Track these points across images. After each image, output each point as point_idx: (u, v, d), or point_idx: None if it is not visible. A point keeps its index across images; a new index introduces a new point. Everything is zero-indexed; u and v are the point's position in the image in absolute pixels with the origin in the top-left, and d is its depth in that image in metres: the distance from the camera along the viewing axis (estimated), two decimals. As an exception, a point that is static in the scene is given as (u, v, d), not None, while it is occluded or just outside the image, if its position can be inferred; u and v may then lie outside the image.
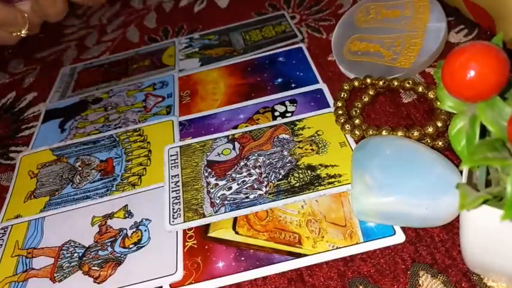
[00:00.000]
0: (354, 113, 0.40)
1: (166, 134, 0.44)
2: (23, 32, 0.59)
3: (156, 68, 0.56)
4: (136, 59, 0.59)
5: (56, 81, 0.59)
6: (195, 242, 0.34)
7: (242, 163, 0.39)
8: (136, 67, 0.57)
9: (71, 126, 0.49)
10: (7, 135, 0.52)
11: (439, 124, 0.36)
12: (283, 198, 0.35)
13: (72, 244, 0.36)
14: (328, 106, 0.43)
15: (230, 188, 0.37)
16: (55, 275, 0.34)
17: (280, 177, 0.36)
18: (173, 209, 0.36)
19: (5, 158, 0.48)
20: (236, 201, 0.35)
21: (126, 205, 0.38)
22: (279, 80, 0.48)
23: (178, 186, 0.38)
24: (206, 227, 0.34)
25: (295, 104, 0.44)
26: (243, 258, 0.32)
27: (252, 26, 0.59)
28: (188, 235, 0.34)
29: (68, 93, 0.56)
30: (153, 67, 0.56)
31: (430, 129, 0.36)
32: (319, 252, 0.31)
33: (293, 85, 0.46)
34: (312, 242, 0.32)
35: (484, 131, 0.24)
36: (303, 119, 0.42)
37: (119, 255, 0.34)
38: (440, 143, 0.35)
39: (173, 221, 0.35)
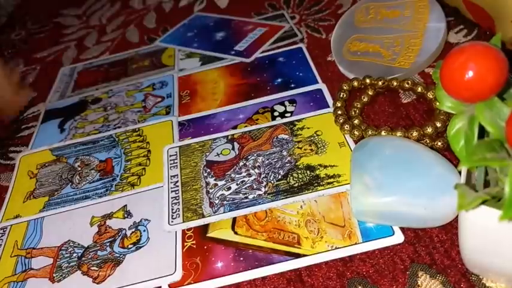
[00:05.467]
0: (353, 113, 0.40)
1: (166, 134, 0.44)
2: None
3: (155, 68, 0.56)
4: (136, 59, 0.59)
5: (56, 81, 0.59)
6: (194, 242, 0.34)
7: (241, 163, 0.39)
8: (136, 67, 0.57)
9: (71, 126, 0.49)
10: (7, 135, 0.52)
11: (438, 124, 0.36)
12: (282, 199, 0.35)
13: (71, 244, 0.36)
14: (328, 106, 0.43)
15: (229, 188, 0.37)
16: (54, 275, 0.34)
17: (280, 177, 0.36)
18: (172, 209, 0.36)
19: (4, 158, 0.48)
20: (235, 201, 0.35)
21: (125, 205, 0.38)
22: (279, 80, 0.48)
23: (178, 186, 0.38)
24: (205, 227, 0.34)
25: (294, 104, 0.44)
26: (242, 259, 0.32)
27: (251, 26, 0.59)
28: (187, 235, 0.34)
29: (68, 93, 0.56)
30: (152, 67, 0.56)
31: (429, 130, 0.36)
32: (318, 253, 0.31)
33: (292, 85, 0.46)
34: (311, 242, 0.32)
35: (482, 132, 0.24)
36: (302, 119, 0.42)
37: (118, 255, 0.34)
38: (439, 144, 0.35)
39: (172, 221, 0.35)
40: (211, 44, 0.56)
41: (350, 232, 0.32)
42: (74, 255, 0.35)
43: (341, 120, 0.39)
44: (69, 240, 0.36)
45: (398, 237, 0.31)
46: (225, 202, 0.36)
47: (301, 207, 0.34)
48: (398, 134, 0.36)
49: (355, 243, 0.31)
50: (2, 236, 0.38)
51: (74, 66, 0.62)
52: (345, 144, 0.38)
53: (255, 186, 0.36)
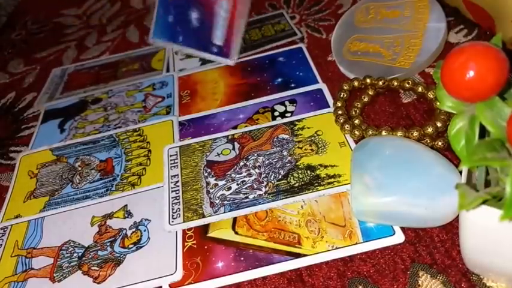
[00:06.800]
0: (353, 113, 0.40)
1: (166, 134, 0.44)
2: None
3: (144, 72, 0.56)
4: (126, 62, 0.59)
5: (46, 83, 0.59)
6: (194, 242, 0.34)
7: (242, 163, 0.39)
8: (125, 70, 0.57)
9: (71, 127, 0.49)
10: (7, 135, 0.52)
11: (439, 124, 0.36)
12: (282, 199, 0.35)
13: (72, 244, 0.36)
14: (328, 106, 0.43)
15: (230, 188, 0.37)
16: (54, 275, 0.34)
17: (280, 177, 0.36)
18: (173, 209, 0.36)
19: (5, 158, 0.48)
20: (236, 201, 0.35)
21: (126, 205, 0.38)
22: (279, 80, 0.48)
23: (178, 186, 0.38)
24: (206, 227, 0.34)
25: (294, 104, 0.44)
26: (242, 259, 0.32)
27: (251, 25, 0.59)
28: (188, 235, 0.34)
29: (56, 95, 0.56)
30: (141, 71, 0.56)
31: (430, 130, 0.36)
32: (319, 252, 0.31)
33: (293, 85, 0.46)
34: (311, 242, 0.32)
35: (483, 131, 0.24)
36: (303, 119, 0.42)
37: (119, 255, 0.34)
38: (439, 143, 0.35)
39: (173, 221, 0.35)
40: (192, 33, 0.54)
41: (350, 232, 0.32)
42: (75, 255, 0.35)
43: (341, 120, 0.39)
44: (69, 240, 0.36)
45: (398, 237, 0.31)
46: (225, 202, 0.36)
47: (301, 207, 0.34)
48: (399, 133, 0.36)
49: (356, 243, 0.31)
50: (2, 235, 0.38)
51: (66, 68, 0.61)
52: (345, 144, 0.38)
53: (255, 186, 0.36)
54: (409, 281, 0.28)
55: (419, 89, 0.40)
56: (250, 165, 0.38)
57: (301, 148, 0.39)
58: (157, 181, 0.39)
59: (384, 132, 0.37)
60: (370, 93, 0.42)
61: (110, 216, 0.38)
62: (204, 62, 0.54)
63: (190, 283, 0.31)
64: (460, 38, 0.46)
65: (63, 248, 0.36)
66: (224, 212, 0.35)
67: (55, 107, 0.53)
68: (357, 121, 0.39)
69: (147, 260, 0.33)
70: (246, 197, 0.35)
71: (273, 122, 0.42)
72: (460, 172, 0.29)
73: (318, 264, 0.31)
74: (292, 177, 0.36)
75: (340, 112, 0.40)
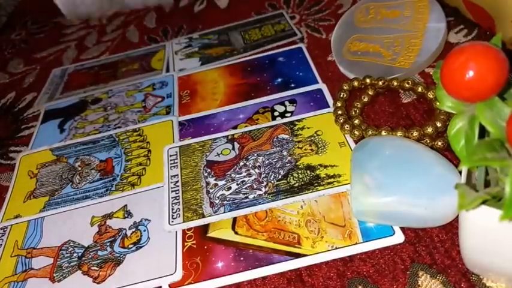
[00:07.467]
0: (353, 113, 0.40)
1: (166, 134, 0.44)
2: None
3: (144, 72, 0.56)
4: (126, 62, 0.59)
5: (46, 83, 0.59)
6: (194, 242, 0.34)
7: (241, 163, 0.39)
8: (125, 70, 0.57)
9: (71, 127, 0.49)
10: (7, 135, 0.52)
11: (439, 124, 0.36)
12: (282, 199, 0.35)
13: (72, 244, 0.36)
14: (328, 106, 0.43)
15: (229, 188, 0.37)
16: (54, 275, 0.34)
17: (280, 177, 0.36)
18: (172, 209, 0.36)
19: (4, 158, 0.48)
20: (235, 201, 0.35)
21: (126, 205, 0.38)
22: (279, 80, 0.48)
23: (178, 186, 0.38)
24: (205, 227, 0.34)
25: (294, 104, 0.44)
26: (242, 259, 0.32)
27: (251, 25, 0.59)
28: (187, 235, 0.34)
29: (56, 95, 0.56)
30: (141, 71, 0.56)
31: (430, 130, 0.36)
32: (319, 253, 0.31)
33: (292, 85, 0.46)
34: (311, 242, 0.32)
35: (483, 131, 0.24)
36: (303, 119, 0.42)
37: (118, 255, 0.34)
38: (439, 143, 0.35)
39: (172, 221, 0.35)
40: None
41: (350, 232, 0.32)
42: (74, 255, 0.35)
43: (341, 120, 0.39)
44: (69, 240, 0.36)
45: (398, 237, 0.31)
46: (225, 202, 0.36)
47: (301, 207, 0.34)
48: (399, 133, 0.36)
49: (356, 243, 0.31)
50: (2, 235, 0.38)
51: (66, 68, 0.62)
52: (345, 144, 0.38)
53: (255, 186, 0.36)
54: (408, 281, 0.28)
55: (419, 89, 0.40)
56: (250, 165, 0.38)
57: (301, 148, 0.39)
58: (157, 181, 0.39)
59: (383, 132, 0.37)
60: (370, 93, 0.42)
61: (109, 216, 0.38)
62: (203, 62, 0.54)
63: (190, 283, 0.31)
64: (460, 38, 0.46)
65: (63, 248, 0.36)
66: (224, 212, 0.35)
67: (55, 107, 0.53)
68: (356, 121, 0.39)
69: (146, 260, 0.33)
70: (246, 197, 0.35)
71: (272, 122, 0.42)
72: (460, 172, 0.29)
73: (318, 264, 0.31)
74: (292, 177, 0.36)
75: (340, 112, 0.40)
